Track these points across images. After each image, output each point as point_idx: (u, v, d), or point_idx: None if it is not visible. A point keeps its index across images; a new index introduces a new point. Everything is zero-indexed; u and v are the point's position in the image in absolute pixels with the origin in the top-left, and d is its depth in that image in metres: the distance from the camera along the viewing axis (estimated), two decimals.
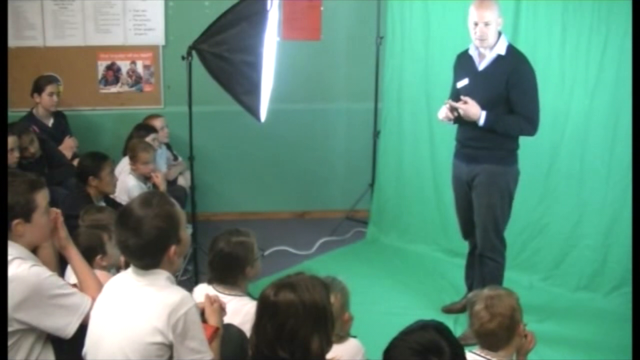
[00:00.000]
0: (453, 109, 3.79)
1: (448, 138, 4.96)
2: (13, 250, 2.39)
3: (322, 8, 5.75)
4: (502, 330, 2.51)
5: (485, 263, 3.92)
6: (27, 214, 2.41)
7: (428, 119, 5.08)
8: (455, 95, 3.91)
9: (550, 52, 4.48)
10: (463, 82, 3.88)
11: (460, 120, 3.85)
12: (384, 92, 5.38)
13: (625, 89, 4.15)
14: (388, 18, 5.24)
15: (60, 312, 2.36)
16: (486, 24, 3.70)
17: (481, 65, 3.82)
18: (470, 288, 4.23)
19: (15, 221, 2.39)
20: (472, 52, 3.87)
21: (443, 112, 3.87)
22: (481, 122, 3.70)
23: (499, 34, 3.78)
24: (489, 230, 3.86)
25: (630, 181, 4.13)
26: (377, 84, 5.54)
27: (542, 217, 4.63)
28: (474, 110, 3.71)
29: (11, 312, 2.29)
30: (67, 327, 2.37)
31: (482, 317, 2.51)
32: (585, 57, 4.35)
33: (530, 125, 3.73)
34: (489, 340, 2.53)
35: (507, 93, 3.71)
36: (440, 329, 1.93)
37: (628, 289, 4.15)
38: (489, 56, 3.78)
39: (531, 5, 4.52)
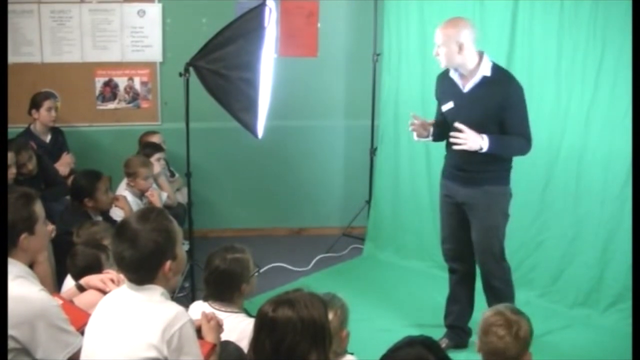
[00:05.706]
0: (447, 132, 3.63)
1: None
2: (14, 268, 2.38)
3: (319, 25, 5.79)
4: (518, 354, 2.51)
5: (492, 285, 3.81)
6: (30, 227, 2.44)
7: None
8: (441, 118, 3.80)
9: (546, 69, 4.50)
10: (448, 106, 3.74)
11: (443, 139, 3.78)
12: (381, 109, 5.39)
13: (621, 105, 4.18)
14: (385, 35, 5.26)
15: (53, 344, 2.35)
16: (438, 46, 3.59)
17: (466, 87, 3.64)
18: (450, 327, 4.03)
19: (22, 236, 2.41)
20: (453, 75, 3.71)
21: (418, 132, 3.79)
22: (485, 149, 3.52)
23: (480, 54, 3.61)
24: (495, 251, 3.76)
25: (626, 198, 4.15)
26: (374, 101, 5.55)
27: (538, 234, 4.63)
28: (474, 138, 3.50)
29: (9, 328, 2.27)
30: None
31: (508, 342, 2.48)
32: (581, 73, 4.37)
33: (529, 143, 3.64)
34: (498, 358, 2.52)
35: (498, 115, 3.57)
36: (427, 344, 1.93)
37: (625, 305, 4.15)
38: (474, 78, 3.61)
39: (527, 22, 4.55)
